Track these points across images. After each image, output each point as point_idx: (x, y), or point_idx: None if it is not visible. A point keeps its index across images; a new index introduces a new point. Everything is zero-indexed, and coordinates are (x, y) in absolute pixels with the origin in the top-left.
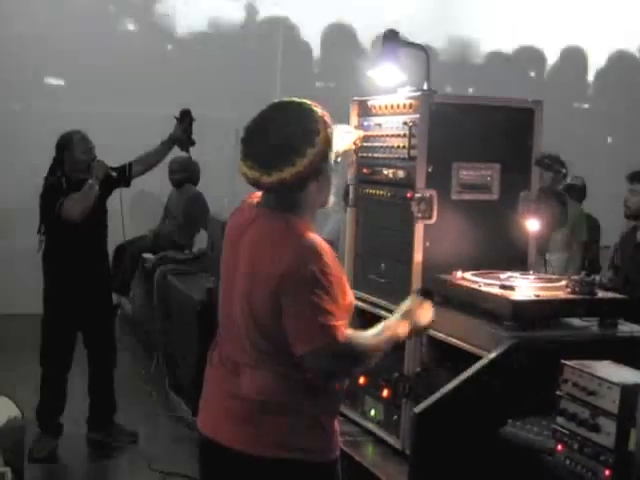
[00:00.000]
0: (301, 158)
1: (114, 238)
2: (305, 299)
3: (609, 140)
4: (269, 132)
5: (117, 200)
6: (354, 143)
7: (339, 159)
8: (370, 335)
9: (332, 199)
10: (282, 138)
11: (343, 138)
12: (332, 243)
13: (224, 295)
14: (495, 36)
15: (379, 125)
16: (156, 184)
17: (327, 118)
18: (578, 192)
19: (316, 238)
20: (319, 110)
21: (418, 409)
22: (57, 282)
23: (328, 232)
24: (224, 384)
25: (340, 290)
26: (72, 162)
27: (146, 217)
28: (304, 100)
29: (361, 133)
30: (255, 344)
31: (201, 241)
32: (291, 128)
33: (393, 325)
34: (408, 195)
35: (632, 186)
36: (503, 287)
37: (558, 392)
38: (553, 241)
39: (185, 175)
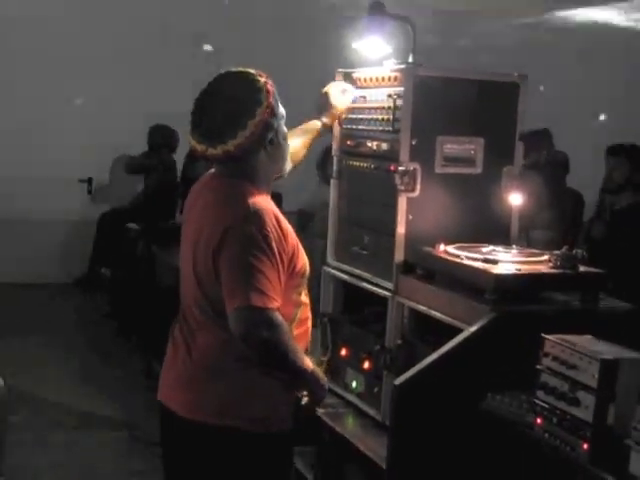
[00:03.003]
0: (242, 129)
1: (98, 207)
2: (240, 258)
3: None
4: (212, 104)
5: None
6: (339, 117)
7: (344, 116)
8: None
9: (288, 166)
10: (224, 110)
11: (341, 97)
12: (310, 214)
13: (181, 263)
14: None
15: (364, 97)
16: (142, 149)
17: (270, 87)
18: (560, 166)
19: (261, 201)
20: (262, 79)
21: (398, 381)
22: None
23: (305, 203)
24: (180, 353)
25: (290, 257)
26: None
27: (135, 183)
28: (248, 70)
29: (357, 92)
30: (200, 308)
31: None
32: (232, 100)
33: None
34: (392, 168)
35: (615, 158)
36: (485, 261)
37: (538, 366)
38: (539, 218)
39: (158, 140)
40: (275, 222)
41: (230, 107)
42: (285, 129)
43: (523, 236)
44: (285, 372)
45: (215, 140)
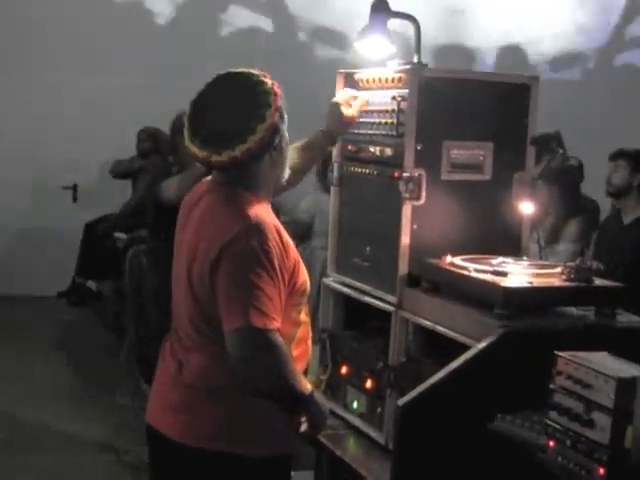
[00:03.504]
0: (252, 135)
1: (82, 216)
2: (240, 274)
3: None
4: (216, 108)
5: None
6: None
7: (332, 148)
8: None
9: (287, 173)
10: (230, 115)
11: (351, 106)
12: (308, 224)
13: (175, 278)
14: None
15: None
16: (129, 154)
17: (277, 88)
18: (575, 173)
19: (262, 214)
20: (268, 81)
21: (402, 401)
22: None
23: (303, 211)
24: (171, 372)
25: (290, 273)
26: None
27: (121, 191)
28: (252, 71)
29: (367, 98)
30: (196, 326)
31: None
32: (239, 103)
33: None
34: (395, 174)
35: (615, 162)
36: (494, 273)
37: (551, 385)
38: (567, 232)
39: (152, 145)
40: (277, 236)
41: (237, 110)
42: (286, 134)
43: (548, 250)
44: (284, 397)
45: (220, 146)
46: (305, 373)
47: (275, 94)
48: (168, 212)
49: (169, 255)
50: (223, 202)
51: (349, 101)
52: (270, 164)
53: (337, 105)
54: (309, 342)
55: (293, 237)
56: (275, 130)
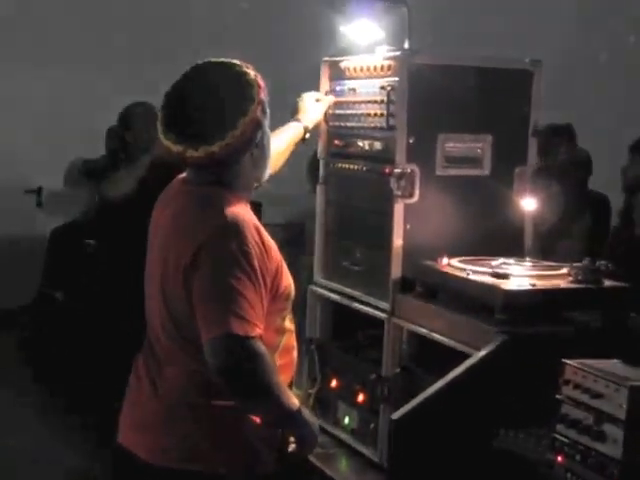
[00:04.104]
0: (232, 129)
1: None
2: (217, 278)
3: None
4: (194, 100)
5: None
6: (325, 113)
7: (307, 135)
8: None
9: (267, 173)
10: (209, 107)
11: (313, 108)
12: (300, 227)
13: (147, 283)
14: None
15: (353, 90)
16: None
17: (260, 80)
18: (582, 167)
19: (242, 212)
20: (251, 72)
21: (396, 415)
22: None
23: (294, 214)
24: (144, 387)
25: (273, 276)
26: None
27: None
28: (232, 60)
29: (332, 99)
30: (169, 335)
31: None
32: (219, 95)
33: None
34: (386, 170)
35: (633, 156)
36: (495, 275)
37: (558, 395)
38: (571, 229)
39: (117, 143)
40: (257, 236)
41: (217, 103)
42: (269, 131)
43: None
44: (268, 413)
45: (198, 141)
46: (290, 386)
47: (259, 86)
48: (110, 211)
49: (112, 259)
50: (198, 202)
51: (312, 103)
52: (251, 162)
53: (306, 96)
54: (294, 352)
55: (285, 241)
56: (257, 125)
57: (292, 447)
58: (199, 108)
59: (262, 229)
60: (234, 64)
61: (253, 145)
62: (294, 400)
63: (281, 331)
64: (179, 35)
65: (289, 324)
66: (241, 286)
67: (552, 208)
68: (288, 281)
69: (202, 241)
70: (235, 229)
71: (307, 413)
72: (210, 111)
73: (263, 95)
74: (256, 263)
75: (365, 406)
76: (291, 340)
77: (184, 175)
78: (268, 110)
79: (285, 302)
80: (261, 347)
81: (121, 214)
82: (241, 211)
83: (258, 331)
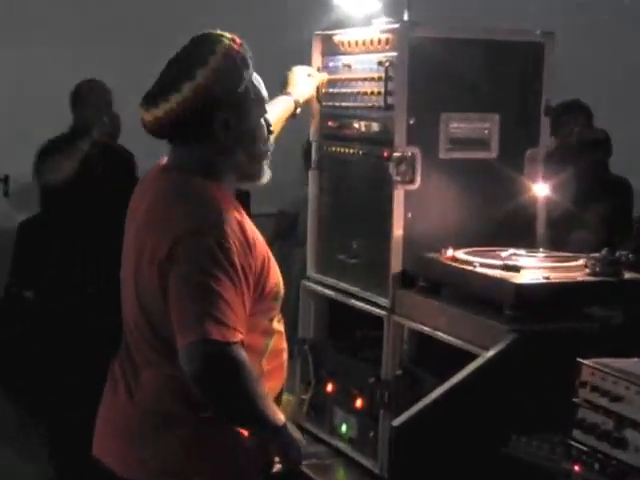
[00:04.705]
0: (176, 92)
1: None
2: (193, 277)
3: None
4: (166, 66)
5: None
6: (317, 89)
7: (298, 111)
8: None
9: (268, 173)
10: (167, 70)
11: (304, 81)
12: (293, 217)
13: (123, 280)
14: None
15: (348, 66)
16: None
17: (236, 53)
18: (599, 148)
19: (221, 205)
20: (225, 41)
21: (397, 422)
22: None
23: (287, 203)
24: (120, 394)
25: (258, 275)
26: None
27: None
28: (219, 32)
29: (325, 77)
30: (144, 337)
31: None
32: (179, 58)
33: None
34: (385, 154)
35: None
36: (504, 268)
37: (574, 399)
38: (586, 217)
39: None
40: (239, 231)
41: (172, 67)
42: (263, 121)
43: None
44: (249, 426)
45: (150, 102)
46: (281, 392)
47: (226, 55)
48: (50, 194)
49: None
50: (174, 188)
51: (303, 78)
52: (230, 149)
53: (297, 69)
54: (284, 354)
55: (276, 233)
56: (210, 95)
57: (277, 467)
58: (163, 72)
59: (247, 223)
60: (212, 34)
61: (213, 122)
62: (278, 414)
63: (269, 333)
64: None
65: (277, 325)
66: (220, 286)
67: (567, 194)
68: (276, 279)
69: (178, 235)
70: (213, 223)
71: (292, 428)
72: (165, 74)
73: (229, 65)
74: (237, 260)
75: (364, 412)
76: (280, 342)
77: (164, 160)
78: (259, 93)
79: (273, 302)
80: (241, 354)
81: (62, 200)
82: (222, 203)
83: (239, 336)
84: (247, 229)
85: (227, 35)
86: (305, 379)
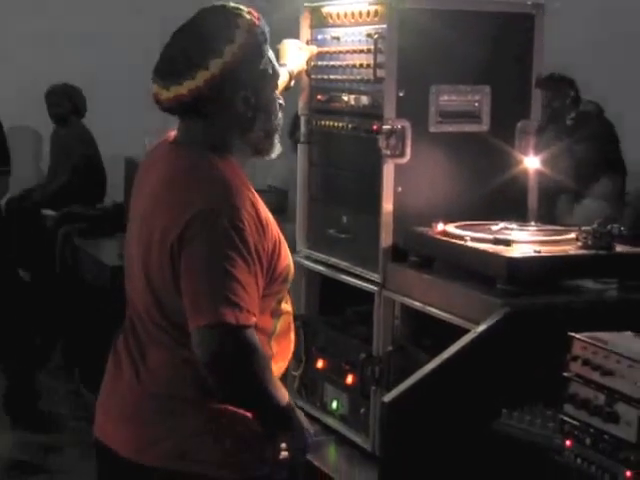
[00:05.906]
0: (203, 69)
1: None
2: (207, 259)
3: None
4: (176, 41)
5: None
6: (306, 63)
7: (292, 83)
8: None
9: (277, 149)
10: (185, 45)
11: (296, 54)
12: (283, 192)
13: (128, 258)
14: None
15: (337, 39)
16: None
17: (258, 28)
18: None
19: (235, 183)
20: (246, 16)
21: (388, 398)
22: None
23: (276, 178)
24: (125, 374)
25: (270, 256)
26: None
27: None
28: (233, 4)
29: (314, 49)
30: (153, 318)
31: (117, 192)
32: (198, 33)
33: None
34: (374, 127)
35: None
36: (496, 242)
37: (565, 373)
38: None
39: (69, 106)
40: (253, 211)
41: (193, 41)
42: (278, 98)
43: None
44: (259, 410)
45: (169, 79)
46: (285, 374)
47: (249, 32)
48: None
49: None
50: (186, 168)
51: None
52: (244, 124)
53: (287, 42)
54: (292, 334)
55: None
56: (237, 73)
57: (283, 454)
58: (177, 47)
59: (260, 203)
60: (229, 6)
61: (236, 99)
62: (288, 399)
63: (277, 314)
64: None
65: (286, 306)
66: (234, 268)
67: (559, 168)
68: (287, 261)
69: (190, 216)
70: (227, 202)
71: (302, 416)
72: (185, 50)
73: (253, 41)
74: (251, 241)
75: (355, 389)
76: (288, 323)
77: (172, 134)
78: (277, 70)
79: (283, 284)
80: (255, 337)
81: None
82: (236, 183)
83: (252, 319)
84: (260, 209)
85: (242, 7)
86: (296, 356)
